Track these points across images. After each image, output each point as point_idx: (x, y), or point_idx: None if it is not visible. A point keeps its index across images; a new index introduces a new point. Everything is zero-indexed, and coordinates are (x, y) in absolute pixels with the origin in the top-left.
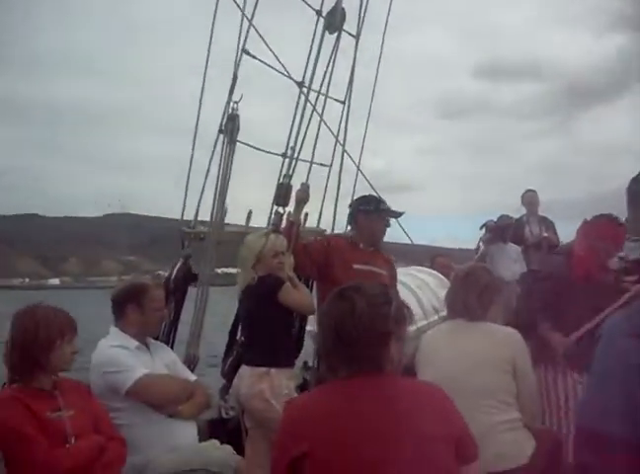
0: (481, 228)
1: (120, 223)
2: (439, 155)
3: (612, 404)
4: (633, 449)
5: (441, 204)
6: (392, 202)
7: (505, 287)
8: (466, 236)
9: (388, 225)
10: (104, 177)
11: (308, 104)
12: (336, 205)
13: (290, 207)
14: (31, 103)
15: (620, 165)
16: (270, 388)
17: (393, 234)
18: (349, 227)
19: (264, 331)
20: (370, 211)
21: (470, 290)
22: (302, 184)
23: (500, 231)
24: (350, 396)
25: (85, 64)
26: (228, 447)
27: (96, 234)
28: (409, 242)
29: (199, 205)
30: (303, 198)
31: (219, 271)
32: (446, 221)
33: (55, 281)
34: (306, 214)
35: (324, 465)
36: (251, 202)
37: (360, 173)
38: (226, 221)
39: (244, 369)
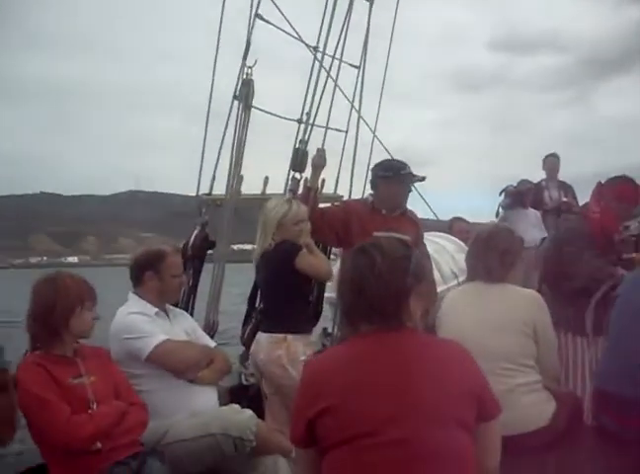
0: (501, 193)
1: (136, 200)
2: (455, 129)
3: (630, 365)
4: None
5: (460, 179)
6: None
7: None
8: (486, 209)
9: (410, 190)
10: (121, 154)
11: (323, 70)
12: (352, 171)
13: (307, 173)
14: (40, 81)
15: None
16: (287, 354)
17: (416, 210)
18: (368, 192)
19: (280, 297)
20: (390, 177)
21: (492, 251)
22: (318, 149)
23: (519, 196)
24: (369, 351)
25: (95, 41)
26: (248, 411)
27: (113, 212)
28: (434, 218)
29: (215, 170)
30: (320, 164)
31: (235, 247)
32: (465, 196)
33: (74, 259)
34: (323, 180)
35: (342, 419)
36: (267, 171)
37: (376, 138)
38: (242, 191)
39: (261, 336)
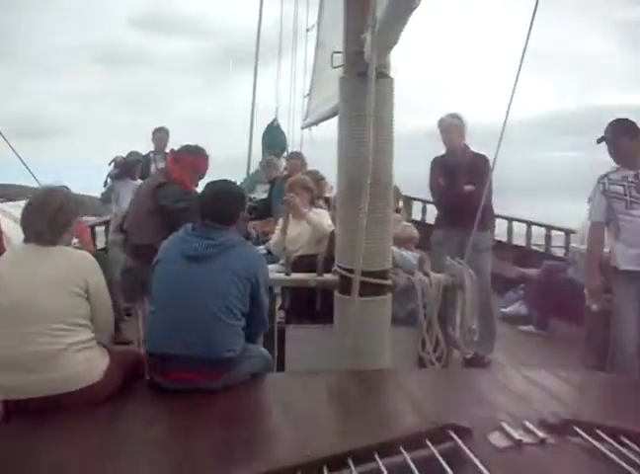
0: (110, 163)
1: None
2: (93, 102)
3: (172, 326)
4: (186, 363)
5: (92, 152)
6: (40, 147)
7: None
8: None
9: None
10: None
11: None
12: None
13: None
14: None
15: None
16: None
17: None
18: None
19: None
20: None
21: (42, 213)
22: None
23: (128, 167)
24: None
25: None
26: None
27: None
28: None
29: None
30: None
31: None
32: (93, 169)
33: None
34: None
35: None
36: None
37: None
38: None
39: None
